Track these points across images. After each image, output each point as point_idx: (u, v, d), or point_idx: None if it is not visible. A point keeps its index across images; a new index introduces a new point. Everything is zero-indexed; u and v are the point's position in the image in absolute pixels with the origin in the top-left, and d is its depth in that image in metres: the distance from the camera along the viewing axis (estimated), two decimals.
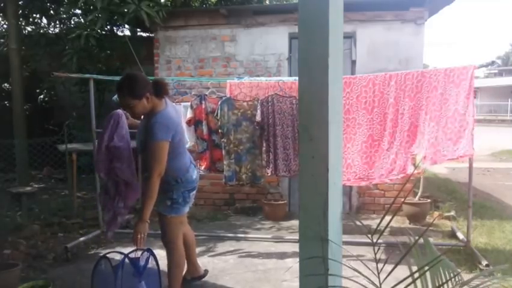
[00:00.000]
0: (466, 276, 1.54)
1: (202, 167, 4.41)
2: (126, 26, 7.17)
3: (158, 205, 2.75)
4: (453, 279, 1.39)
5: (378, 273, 1.39)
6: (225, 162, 4.27)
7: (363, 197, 5.56)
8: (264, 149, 4.28)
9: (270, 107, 4.16)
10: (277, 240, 4.56)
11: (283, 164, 4.19)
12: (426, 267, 1.37)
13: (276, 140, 4.18)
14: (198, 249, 4.29)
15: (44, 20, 7.75)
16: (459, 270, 1.47)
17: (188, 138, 4.44)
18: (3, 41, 7.81)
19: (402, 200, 5.08)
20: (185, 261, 3.09)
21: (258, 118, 4.14)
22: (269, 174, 4.29)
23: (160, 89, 2.65)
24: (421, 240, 1.48)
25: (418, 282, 1.34)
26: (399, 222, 5.21)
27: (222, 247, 4.38)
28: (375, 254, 1.43)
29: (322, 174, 1.53)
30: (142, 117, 2.81)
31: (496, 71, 37.20)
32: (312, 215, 1.55)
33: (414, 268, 1.40)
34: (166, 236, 2.87)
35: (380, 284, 1.37)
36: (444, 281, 1.38)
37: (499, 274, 3.47)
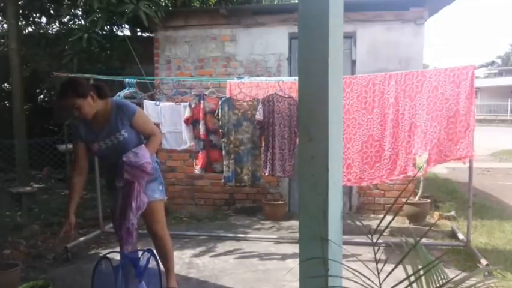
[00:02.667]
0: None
1: (198, 167, 4.40)
2: (126, 26, 7.17)
3: (152, 194, 2.78)
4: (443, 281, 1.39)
5: (378, 274, 1.39)
6: (224, 163, 4.26)
7: (363, 197, 5.56)
8: (262, 148, 4.28)
9: (270, 106, 4.17)
10: (277, 240, 4.56)
11: (279, 164, 4.19)
12: (423, 271, 1.37)
13: (274, 140, 4.18)
14: (198, 249, 4.30)
15: (44, 20, 7.76)
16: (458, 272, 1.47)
17: (187, 139, 4.44)
18: (3, 41, 7.81)
19: (404, 200, 5.09)
20: None
21: (259, 117, 4.13)
22: (266, 174, 4.29)
23: (101, 91, 2.69)
24: (423, 241, 1.48)
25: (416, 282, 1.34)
26: (399, 222, 5.21)
27: (222, 247, 4.38)
28: (375, 254, 1.43)
29: (322, 174, 1.53)
30: (90, 123, 2.74)
31: (496, 71, 37.20)
32: (312, 215, 1.55)
33: (412, 269, 1.40)
34: (162, 221, 2.92)
35: (380, 285, 1.37)
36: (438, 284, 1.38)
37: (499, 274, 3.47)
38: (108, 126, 2.68)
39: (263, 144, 4.26)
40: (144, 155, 2.58)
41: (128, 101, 2.93)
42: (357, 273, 1.42)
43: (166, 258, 2.99)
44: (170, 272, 3.03)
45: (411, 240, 1.73)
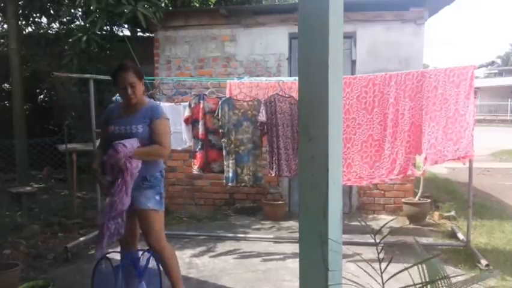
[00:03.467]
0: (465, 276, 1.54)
1: (196, 166, 4.40)
2: (126, 26, 7.17)
3: (145, 202, 2.69)
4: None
5: (381, 274, 1.39)
6: (225, 163, 4.26)
7: (363, 197, 5.56)
8: (267, 149, 4.28)
9: (272, 107, 4.17)
10: (277, 240, 4.56)
11: (285, 164, 4.19)
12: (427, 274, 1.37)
13: (278, 140, 4.18)
14: (198, 249, 4.30)
15: (44, 20, 7.75)
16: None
17: (187, 139, 4.44)
18: (3, 41, 7.81)
19: (403, 200, 5.09)
20: None
21: (263, 118, 4.12)
22: (273, 175, 4.29)
23: (146, 88, 2.95)
24: (423, 241, 1.47)
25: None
26: (400, 222, 5.21)
27: (222, 247, 4.38)
28: (378, 254, 1.43)
29: (322, 174, 1.53)
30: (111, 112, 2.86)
31: (496, 71, 37.18)
32: (312, 215, 1.55)
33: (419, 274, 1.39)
34: (156, 233, 2.75)
35: (383, 285, 1.37)
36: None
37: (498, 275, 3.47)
38: (133, 117, 2.74)
39: (268, 146, 4.26)
40: (130, 142, 2.56)
41: (162, 109, 2.88)
42: (357, 274, 1.42)
43: (168, 271, 2.81)
44: (176, 284, 2.85)
45: (411, 239, 1.72)
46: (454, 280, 1.44)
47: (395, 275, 1.38)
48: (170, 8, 6.84)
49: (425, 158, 3.79)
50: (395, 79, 3.86)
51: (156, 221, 2.74)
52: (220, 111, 4.21)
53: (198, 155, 4.36)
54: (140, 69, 2.79)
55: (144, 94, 2.87)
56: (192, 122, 4.37)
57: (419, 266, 1.48)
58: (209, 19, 5.78)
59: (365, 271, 1.43)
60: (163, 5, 6.53)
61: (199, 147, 4.35)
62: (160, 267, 2.76)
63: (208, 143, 4.36)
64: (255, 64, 5.70)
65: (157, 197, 2.77)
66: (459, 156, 3.69)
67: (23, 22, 7.43)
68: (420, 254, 1.55)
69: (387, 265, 1.41)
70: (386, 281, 1.38)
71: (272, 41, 5.62)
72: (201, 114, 4.31)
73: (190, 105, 4.34)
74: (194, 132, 4.38)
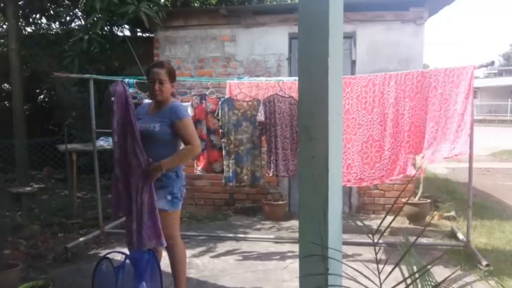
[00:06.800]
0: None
1: (199, 167, 4.40)
2: (126, 26, 7.17)
3: (157, 202, 2.71)
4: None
5: (379, 274, 1.39)
6: (225, 163, 4.26)
7: (363, 197, 5.56)
8: (265, 149, 4.28)
9: (271, 107, 4.17)
10: (277, 240, 4.56)
11: (282, 164, 4.19)
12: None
13: (276, 140, 4.18)
14: (198, 250, 4.30)
15: (44, 20, 7.75)
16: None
17: None
18: (3, 41, 7.81)
19: (403, 201, 5.09)
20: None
21: (262, 118, 4.12)
22: (270, 175, 4.29)
23: (174, 91, 3.04)
24: (423, 241, 1.47)
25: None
26: (399, 222, 5.21)
27: (222, 247, 4.38)
28: (376, 254, 1.43)
29: (322, 174, 1.53)
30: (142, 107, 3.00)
31: (496, 71, 37.17)
32: (312, 215, 1.55)
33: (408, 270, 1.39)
34: (167, 231, 2.80)
35: (381, 284, 1.37)
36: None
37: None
38: (154, 115, 2.82)
39: (266, 145, 4.26)
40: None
41: (185, 109, 2.99)
42: (357, 273, 1.42)
43: (174, 269, 2.91)
44: (178, 285, 2.94)
45: (411, 239, 1.72)
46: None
47: (389, 274, 1.38)
48: (171, 8, 6.84)
49: (423, 157, 3.79)
50: (395, 79, 3.86)
51: (165, 220, 2.77)
52: (220, 111, 4.22)
53: (202, 155, 4.36)
54: (174, 71, 2.89)
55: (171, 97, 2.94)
56: (194, 122, 4.37)
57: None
58: (209, 19, 5.78)
59: (360, 273, 1.43)
60: (163, 5, 6.54)
61: (203, 147, 4.34)
62: (161, 267, 2.77)
63: (209, 143, 4.36)
64: (255, 64, 5.70)
65: (169, 197, 2.81)
66: (454, 155, 3.68)
67: (23, 22, 7.43)
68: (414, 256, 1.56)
69: (384, 266, 1.41)
70: (383, 281, 1.38)
71: (272, 41, 5.62)
72: (203, 115, 4.32)
73: (192, 106, 4.34)
74: (197, 132, 4.37)
